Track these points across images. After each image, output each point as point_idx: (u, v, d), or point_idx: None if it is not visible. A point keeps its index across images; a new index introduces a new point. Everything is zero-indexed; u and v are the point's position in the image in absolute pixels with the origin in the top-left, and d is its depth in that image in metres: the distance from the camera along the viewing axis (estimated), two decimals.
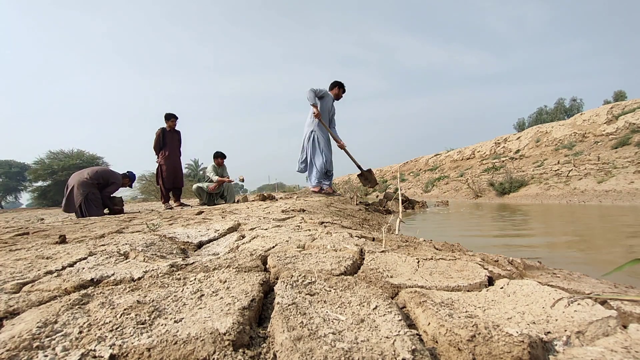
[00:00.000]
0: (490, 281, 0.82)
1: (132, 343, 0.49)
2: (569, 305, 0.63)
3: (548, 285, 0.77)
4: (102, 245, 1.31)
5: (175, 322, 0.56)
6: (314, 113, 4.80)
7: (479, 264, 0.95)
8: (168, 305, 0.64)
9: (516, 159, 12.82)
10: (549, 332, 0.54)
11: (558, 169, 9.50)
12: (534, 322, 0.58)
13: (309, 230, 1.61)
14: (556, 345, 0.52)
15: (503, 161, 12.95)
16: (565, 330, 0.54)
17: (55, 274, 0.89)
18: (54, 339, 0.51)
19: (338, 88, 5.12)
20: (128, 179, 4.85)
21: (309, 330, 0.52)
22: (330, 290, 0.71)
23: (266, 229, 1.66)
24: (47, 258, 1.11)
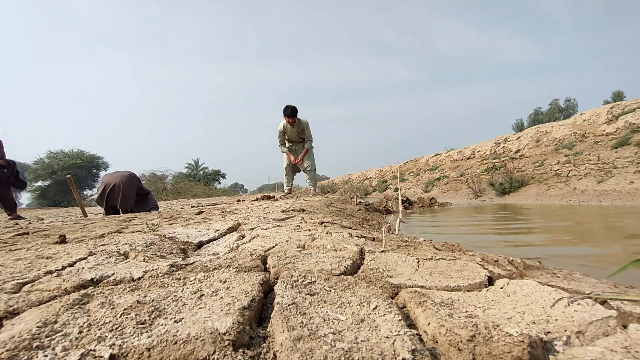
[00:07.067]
0: (490, 281, 0.82)
1: (132, 343, 0.49)
2: (569, 305, 0.63)
3: (548, 285, 0.77)
4: (102, 245, 1.31)
5: (175, 322, 0.56)
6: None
7: (479, 264, 0.95)
8: (168, 305, 0.64)
9: (516, 158, 12.82)
10: (549, 332, 0.54)
11: (558, 169, 9.50)
12: (534, 322, 0.58)
13: (309, 230, 1.61)
14: (556, 345, 0.52)
15: (503, 161, 12.94)
16: (565, 330, 0.54)
17: (55, 274, 0.89)
18: (54, 339, 0.51)
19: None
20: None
21: (309, 330, 0.52)
22: (330, 290, 0.71)
23: (266, 229, 1.66)
24: (47, 258, 1.11)
